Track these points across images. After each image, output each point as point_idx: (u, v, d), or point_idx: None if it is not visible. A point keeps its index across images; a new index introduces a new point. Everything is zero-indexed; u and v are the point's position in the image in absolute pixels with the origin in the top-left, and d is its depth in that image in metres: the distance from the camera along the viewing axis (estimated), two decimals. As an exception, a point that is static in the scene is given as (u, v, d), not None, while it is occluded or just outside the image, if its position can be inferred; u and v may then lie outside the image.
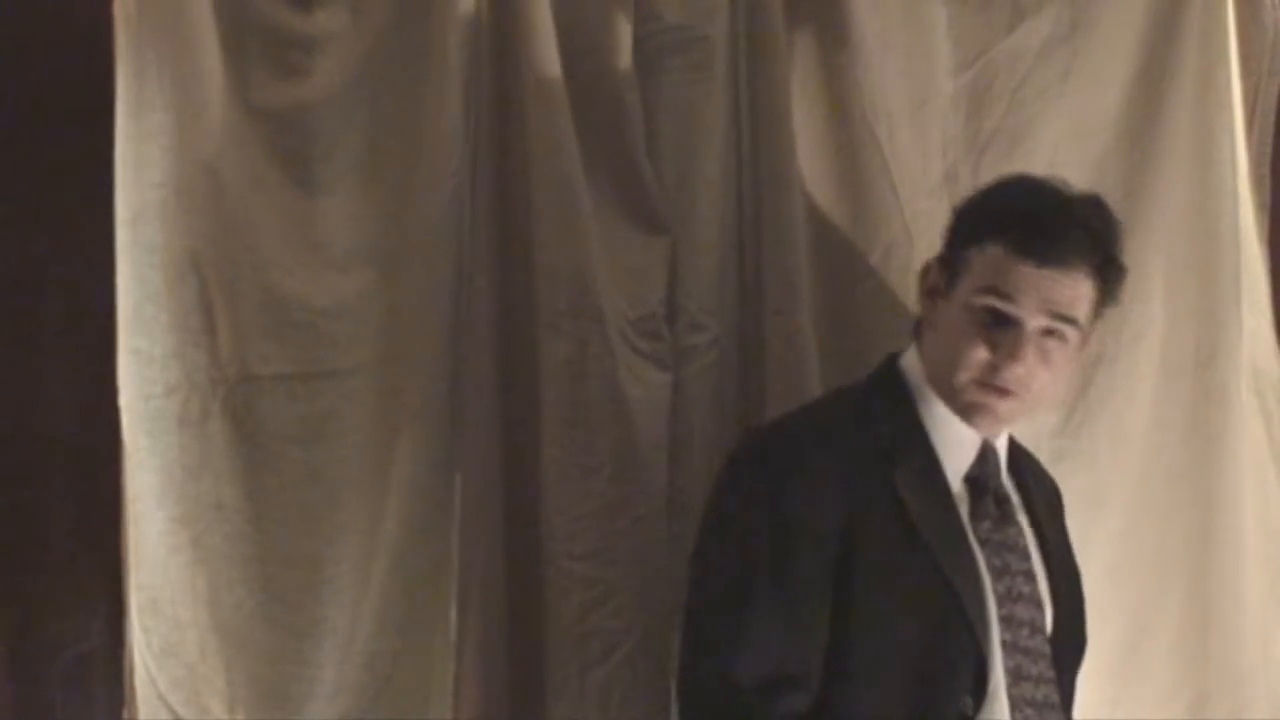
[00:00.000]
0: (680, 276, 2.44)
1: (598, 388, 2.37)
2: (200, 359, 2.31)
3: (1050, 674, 2.13)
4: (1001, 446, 2.20)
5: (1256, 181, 2.65)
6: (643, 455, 2.38)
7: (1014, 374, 2.08)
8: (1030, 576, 2.15)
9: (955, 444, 2.15)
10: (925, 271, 2.20)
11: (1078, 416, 2.57)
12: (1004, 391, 2.10)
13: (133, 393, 2.30)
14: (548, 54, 2.38)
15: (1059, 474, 2.52)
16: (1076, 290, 2.10)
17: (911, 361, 2.19)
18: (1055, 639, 2.18)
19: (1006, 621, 2.09)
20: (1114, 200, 2.53)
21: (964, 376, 2.10)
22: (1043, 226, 2.08)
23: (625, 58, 2.41)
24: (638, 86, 2.42)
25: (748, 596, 2.04)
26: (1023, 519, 2.20)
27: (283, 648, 2.32)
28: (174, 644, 2.29)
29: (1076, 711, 2.35)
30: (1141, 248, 2.57)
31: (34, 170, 2.32)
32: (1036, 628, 2.13)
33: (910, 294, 2.31)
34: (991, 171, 2.53)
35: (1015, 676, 2.08)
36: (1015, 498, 2.21)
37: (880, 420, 2.15)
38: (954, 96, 2.55)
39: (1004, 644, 2.08)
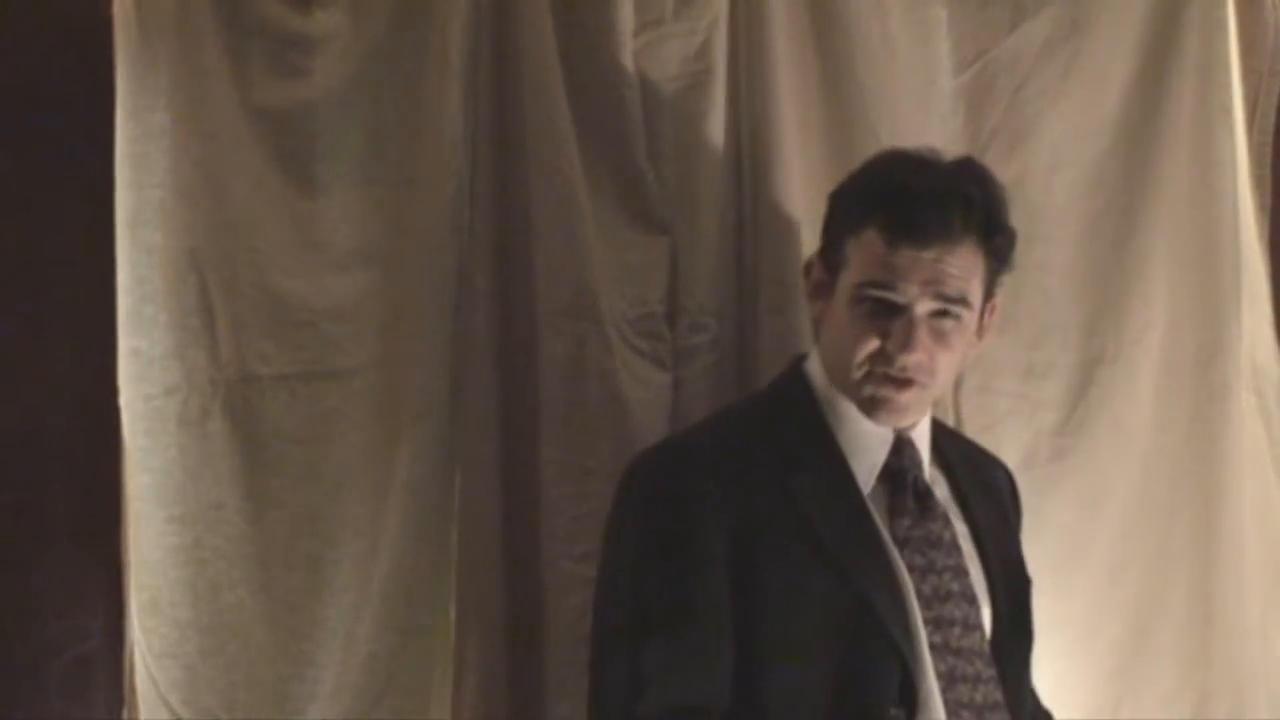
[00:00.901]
0: (680, 276, 2.43)
1: (597, 387, 2.37)
2: (200, 359, 2.32)
3: (990, 673, 2.02)
4: (920, 435, 2.11)
5: (1256, 181, 2.65)
6: (642, 455, 2.38)
7: (911, 362, 2.00)
8: (959, 572, 2.05)
9: (865, 442, 2.06)
10: (808, 269, 2.14)
11: (1078, 416, 2.56)
12: (904, 382, 2.01)
13: (132, 393, 2.31)
14: (547, 54, 2.38)
15: (1060, 473, 2.53)
16: (964, 266, 2.01)
17: (814, 362, 2.12)
18: (996, 635, 2.07)
19: (935, 623, 2.00)
20: (1115, 200, 2.56)
21: (858, 372, 2.02)
22: (917, 205, 1.99)
23: (625, 58, 2.41)
24: (638, 86, 2.42)
25: (643, 631, 1.96)
26: (951, 511, 2.10)
27: (283, 648, 2.32)
28: (174, 644, 2.29)
29: (1076, 712, 2.36)
30: (1142, 247, 2.57)
31: (34, 171, 2.32)
32: (970, 625, 2.03)
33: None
34: (992, 171, 2.53)
35: (949, 680, 1.98)
36: (943, 488, 2.13)
37: (782, 427, 2.07)
38: (954, 96, 2.55)
39: (933, 647, 1.98)
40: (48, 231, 2.32)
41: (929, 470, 2.12)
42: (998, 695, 2.02)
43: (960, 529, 2.10)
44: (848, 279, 2.04)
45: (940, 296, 2.00)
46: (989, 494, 2.21)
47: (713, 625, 1.96)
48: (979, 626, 2.04)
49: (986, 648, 2.04)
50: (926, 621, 1.99)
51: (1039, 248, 2.53)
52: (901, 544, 2.03)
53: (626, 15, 2.41)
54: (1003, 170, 2.51)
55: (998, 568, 2.11)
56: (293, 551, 2.33)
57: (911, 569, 2.01)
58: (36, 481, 2.33)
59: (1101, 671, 2.54)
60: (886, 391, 2.03)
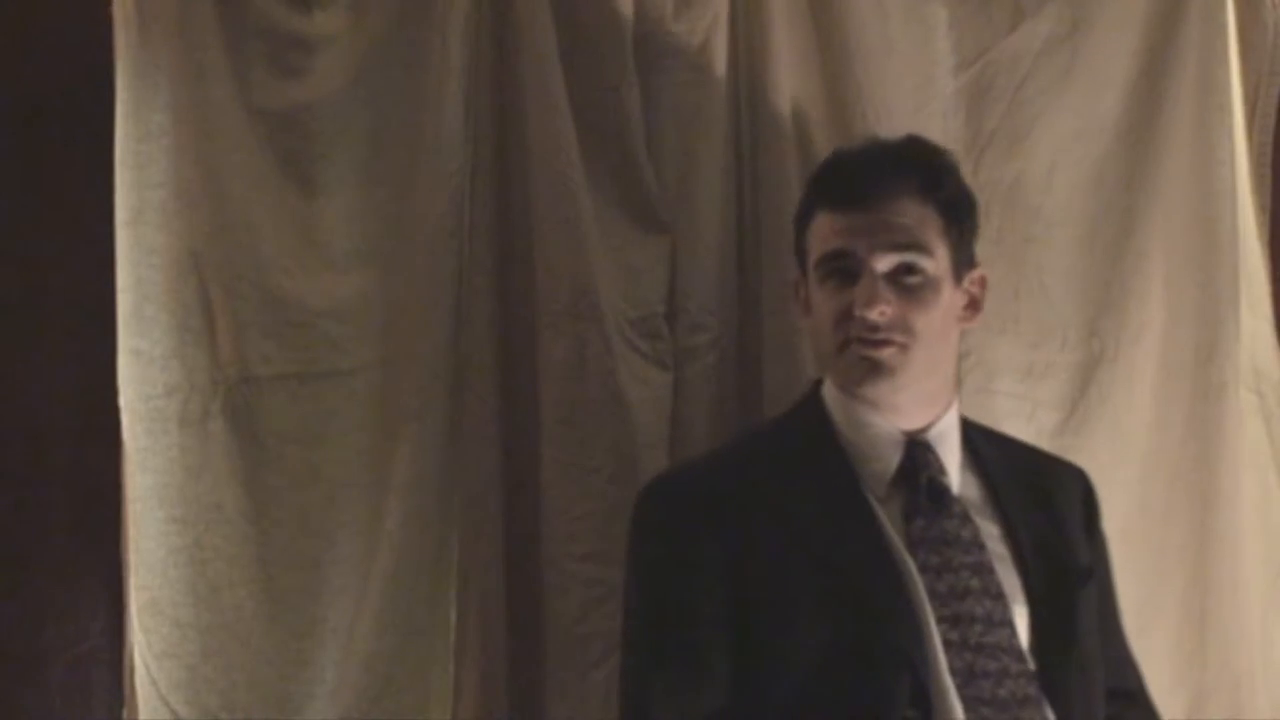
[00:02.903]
0: (680, 276, 2.44)
1: (597, 388, 2.37)
2: (200, 359, 2.32)
3: (1021, 668, 1.99)
4: (940, 438, 2.10)
5: (1256, 181, 2.65)
6: (642, 455, 2.38)
7: (876, 315, 2.00)
8: (981, 569, 2.03)
9: (875, 448, 2.07)
10: (796, 289, 2.18)
11: (1078, 416, 2.56)
12: (879, 342, 2.01)
13: (133, 393, 2.30)
14: (547, 53, 2.38)
15: (1059, 472, 2.54)
16: (911, 216, 2.04)
17: (829, 384, 2.13)
18: (1038, 639, 2.04)
19: (952, 621, 1.98)
20: (1115, 200, 2.57)
21: (836, 339, 2.04)
22: (852, 173, 2.08)
23: (625, 58, 2.41)
24: (638, 86, 2.42)
25: (650, 653, 2.02)
26: (980, 510, 2.09)
27: (283, 648, 2.32)
28: (174, 645, 2.29)
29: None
30: (1141, 248, 2.58)
31: (34, 170, 2.32)
32: (996, 621, 2.00)
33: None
34: (992, 171, 2.53)
35: (967, 676, 1.96)
36: (975, 490, 2.11)
37: (788, 444, 2.11)
38: (954, 96, 2.55)
39: (949, 644, 1.97)
40: (48, 231, 2.32)
41: (960, 474, 2.11)
42: (1029, 690, 1.99)
43: (990, 530, 2.08)
44: (812, 266, 2.09)
45: (895, 247, 2.03)
46: (1042, 501, 2.17)
47: (714, 649, 1.99)
48: (1007, 623, 2.02)
49: (1018, 643, 2.02)
50: (942, 619, 1.98)
51: (1039, 248, 2.55)
52: (915, 545, 2.02)
53: (626, 15, 2.41)
54: (1003, 170, 2.54)
55: (1039, 573, 2.08)
56: (293, 552, 2.33)
57: (925, 569, 2.01)
58: (36, 481, 2.33)
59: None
60: (868, 351, 2.03)
